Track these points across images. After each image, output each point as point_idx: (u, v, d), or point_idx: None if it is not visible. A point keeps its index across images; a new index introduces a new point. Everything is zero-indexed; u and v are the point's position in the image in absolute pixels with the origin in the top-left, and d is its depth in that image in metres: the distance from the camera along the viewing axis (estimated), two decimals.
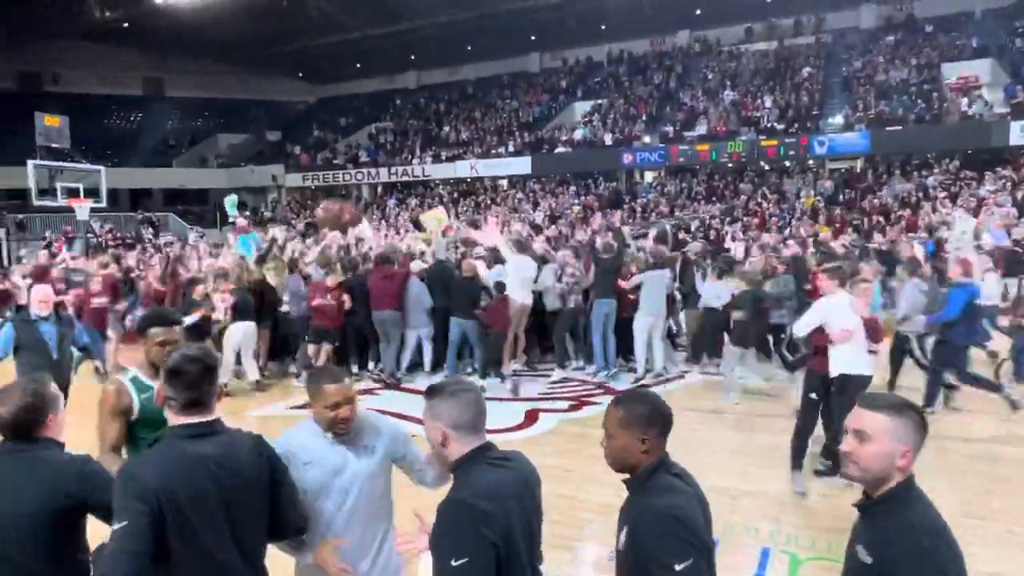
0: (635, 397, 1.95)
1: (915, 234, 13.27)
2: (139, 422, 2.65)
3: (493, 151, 26.74)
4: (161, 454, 1.87)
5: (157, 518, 1.74)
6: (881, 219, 16.72)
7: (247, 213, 13.02)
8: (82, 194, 21.63)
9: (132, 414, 2.64)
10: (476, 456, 1.87)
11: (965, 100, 19.87)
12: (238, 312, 7.71)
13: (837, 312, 4.70)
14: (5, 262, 15.26)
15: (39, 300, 5.35)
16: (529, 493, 1.91)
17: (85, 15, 26.32)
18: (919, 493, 1.69)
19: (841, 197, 19.98)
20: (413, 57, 34.19)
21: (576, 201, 23.45)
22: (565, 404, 6.96)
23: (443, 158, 27.57)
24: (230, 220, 12.22)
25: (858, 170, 21.65)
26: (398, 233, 15.62)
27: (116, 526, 1.74)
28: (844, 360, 4.66)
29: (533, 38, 31.37)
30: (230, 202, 11.72)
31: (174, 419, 1.90)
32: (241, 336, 7.75)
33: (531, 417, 6.55)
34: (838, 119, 21.49)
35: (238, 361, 8.00)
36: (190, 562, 1.80)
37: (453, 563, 1.66)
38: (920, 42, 23.98)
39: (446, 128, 29.90)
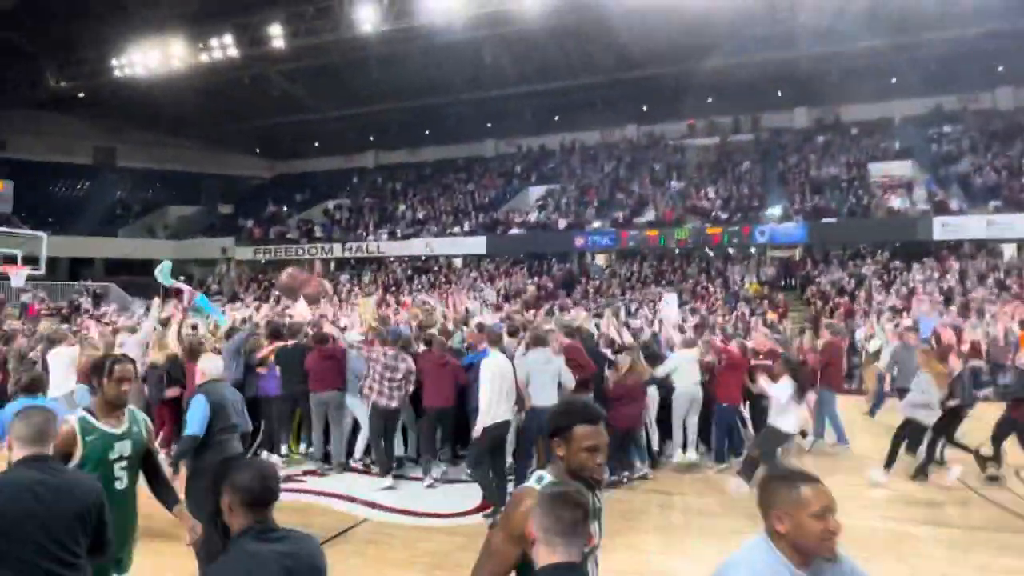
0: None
1: (854, 320, 13.94)
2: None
3: (448, 230, 27.14)
4: (1, 477, 2.44)
5: None
6: (821, 304, 17.52)
7: (183, 278, 11.27)
8: (19, 260, 20.83)
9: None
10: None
11: (892, 196, 21.41)
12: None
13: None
14: None
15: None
16: None
17: (41, 85, 26.21)
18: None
19: (783, 283, 20.90)
20: (372, 138, 35.00)
21: (530, 281, 23.81)
22: None
23: (398, 235, 27.80)
24: (167, 287, 9.88)
25: (797, 258, 22.80)
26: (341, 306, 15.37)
27: None
28: None
29: (489, 125, 32.68)
30: (163, 270, 8.92)
31: (18, 453, 2.49)
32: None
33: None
34: (777, 210, 22.73)
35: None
36: (20, 565, 2.28)
37: None
38: (847, 142, 25.96)
39: (402, 207, 30.30)
